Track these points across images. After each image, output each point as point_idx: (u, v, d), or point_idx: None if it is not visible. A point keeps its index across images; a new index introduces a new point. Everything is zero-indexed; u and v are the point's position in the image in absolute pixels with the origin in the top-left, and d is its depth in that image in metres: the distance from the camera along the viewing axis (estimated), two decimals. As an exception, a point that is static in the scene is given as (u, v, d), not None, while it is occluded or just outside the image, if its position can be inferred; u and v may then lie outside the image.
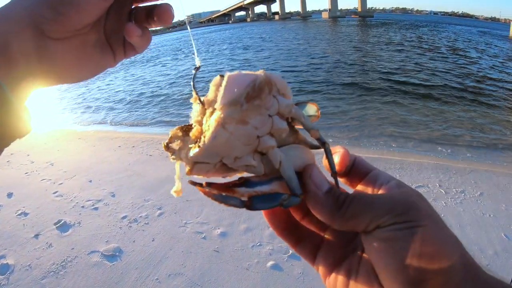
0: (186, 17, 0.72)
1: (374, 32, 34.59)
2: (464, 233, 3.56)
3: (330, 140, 7.09)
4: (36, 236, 3.95)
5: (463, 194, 4.42)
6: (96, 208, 4.47)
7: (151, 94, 13.44)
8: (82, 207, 4.53)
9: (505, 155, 6.10)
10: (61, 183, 5.34)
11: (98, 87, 16.28)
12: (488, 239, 3.48)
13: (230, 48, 28.44)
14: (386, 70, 13.87)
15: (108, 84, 17.00)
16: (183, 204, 4.46)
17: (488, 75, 12.63)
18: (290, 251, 3.40)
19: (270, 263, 3.27)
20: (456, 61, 15.73)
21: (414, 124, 7.78)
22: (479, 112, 8.49)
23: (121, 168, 5.81)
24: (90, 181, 5.36)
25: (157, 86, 15.06)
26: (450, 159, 5.91)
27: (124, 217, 4.18)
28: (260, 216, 3.67)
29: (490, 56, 17.52)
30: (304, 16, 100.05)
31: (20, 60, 0.42)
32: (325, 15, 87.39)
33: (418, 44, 21.81)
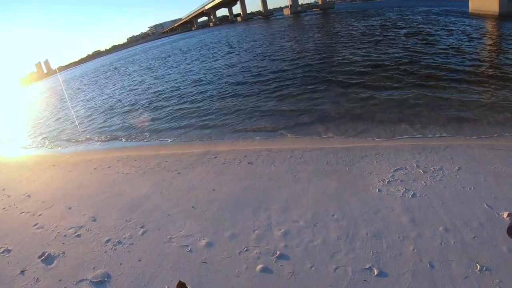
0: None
1: (335, 24, 34.33)
2: (448, 209, 3.61)
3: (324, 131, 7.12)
4: (22, 272, 3.83)
5: (441, 171, 4.49)
6: (78, 235, 4.35)
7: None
8: (65, 236, 4.40)
9: (477, 128, 6.23)
10: (41, 214, 5.18)
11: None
12: (472, 212, 3.54)
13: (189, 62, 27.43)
14: (347, 61, 14.06)
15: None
16: (165, 219, 4.40)
17: (454, 52, 12.82)
18: (278, 252, 3.42)
19: (259, 267, 3.27)
20: (417, 43, 15.67)
21: (385, 107, 7.91)
22: (448, 89, 8.64)
23: (99, 191, 5.69)
24: (70, 208, 5.22)
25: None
26: (424, 138, 6.01)
27: (108, 241, 4.10)
28: (244, 221, 3.65)
29: (455, 33, 17.74)
30: (266, 15, 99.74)
31: None
32: (286, 12, 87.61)
33: (379, 32, 21.87)
